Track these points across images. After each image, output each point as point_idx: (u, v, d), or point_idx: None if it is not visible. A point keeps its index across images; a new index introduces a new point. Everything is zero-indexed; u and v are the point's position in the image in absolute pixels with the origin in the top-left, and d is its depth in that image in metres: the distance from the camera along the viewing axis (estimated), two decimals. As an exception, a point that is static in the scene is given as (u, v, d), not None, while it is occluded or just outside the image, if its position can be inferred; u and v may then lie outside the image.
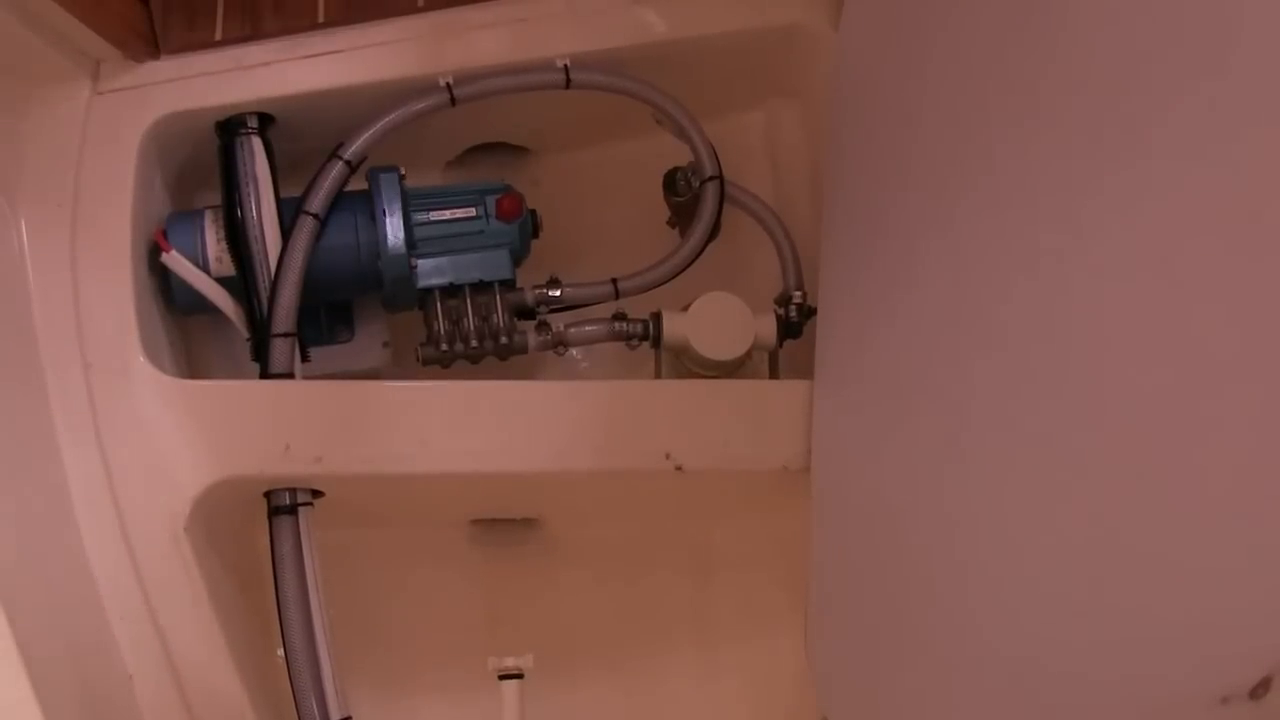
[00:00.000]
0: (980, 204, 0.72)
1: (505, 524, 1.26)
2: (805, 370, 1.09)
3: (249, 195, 1.10)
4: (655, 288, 1.18)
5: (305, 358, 1.12)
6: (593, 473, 1.07)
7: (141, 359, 1.04)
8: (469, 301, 1.13)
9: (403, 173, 1.14)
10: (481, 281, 1.13)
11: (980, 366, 0.72)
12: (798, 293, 1.18)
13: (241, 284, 1.10)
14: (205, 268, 1.10)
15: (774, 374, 1.20)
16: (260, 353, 1.08)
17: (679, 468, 1.06)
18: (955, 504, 0.75)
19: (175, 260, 1.09)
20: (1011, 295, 0.68)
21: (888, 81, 0.92)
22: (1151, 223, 0.54)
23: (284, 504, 1.05)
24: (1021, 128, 0.67)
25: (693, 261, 1.18)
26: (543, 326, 1.16)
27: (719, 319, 1.15)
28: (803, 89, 1.25)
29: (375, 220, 1.11)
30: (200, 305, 1.11)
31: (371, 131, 1.11)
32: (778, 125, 1.31)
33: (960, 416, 0.75)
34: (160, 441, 1.02)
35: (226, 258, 1.10)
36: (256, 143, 1.12)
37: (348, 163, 1.10)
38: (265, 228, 1.09)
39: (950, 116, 0.77)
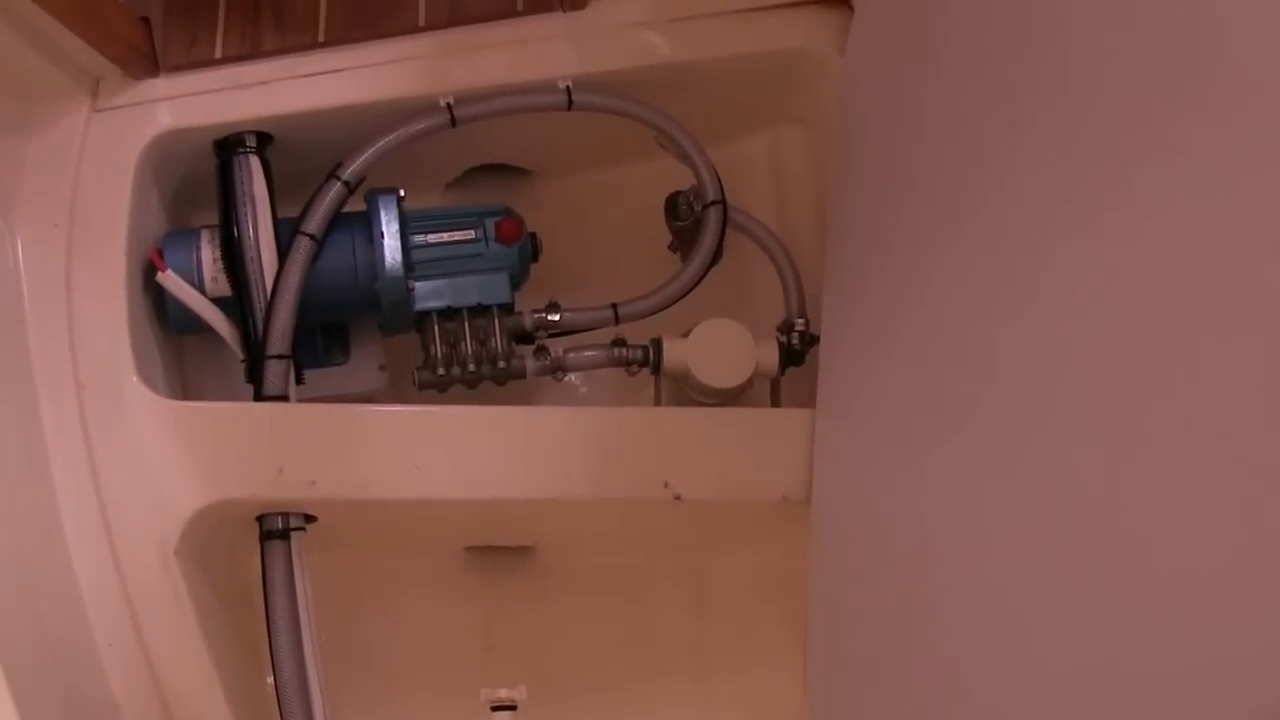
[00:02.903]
0: (986, 229, 0.73)
1: (500, 551, 1.27)
2: (807, 399, 1.09)
3: (246, 215, 1.11)
4: (656, 313, 1.18)
5: (300, 380, 1.12)
6: (590, 501, 1.08)
7: (135, 380, 1.04)
8: (467, 325, 1.14)
9: (402, 194, 1.14)
10: (480, 305, 1.14)
11: (987, 394, 0.72)
12: (801, 320, 1.18)
13: (237, 305, 1.11)
14: (201, 288, 1.11)
15: (776, 402, 1.20)
16: (254, 375, 1.08)
17: (678, 497, 1.07)
18: (962, 537, 0.75)
19: (170, 280, 1.09)
20: (1019, 322, 0.68)
21: (893, 107, 0.93)
22: (1159, 248, 0.54)
23: (276, 529, 1.05)
24: (1029, 153, 0.67)
25: (694, 287, 1.19)
26: (541, 351, 1.16)
27: (720, 346, 1.15)
28: (808, 114, 1.26)
29: (373, 242, 1.12)
30: (195, 326, 1.11)
31: (370, 152, 1.11)
32: (782, 150, 1.32)
33: (967, 446, 0.75)
34: (152, 463, 1.03)
35: (222, 278, 1.11)
36: (254, 162, 1.13)
37: (346, 183, 1.11)
38: (262, 248, 1.10)
39: (956, 143, 0.78)
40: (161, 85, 1.12)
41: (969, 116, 0.76)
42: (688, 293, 1.19)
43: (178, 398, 1.12)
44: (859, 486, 0.97)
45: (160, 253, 1.11)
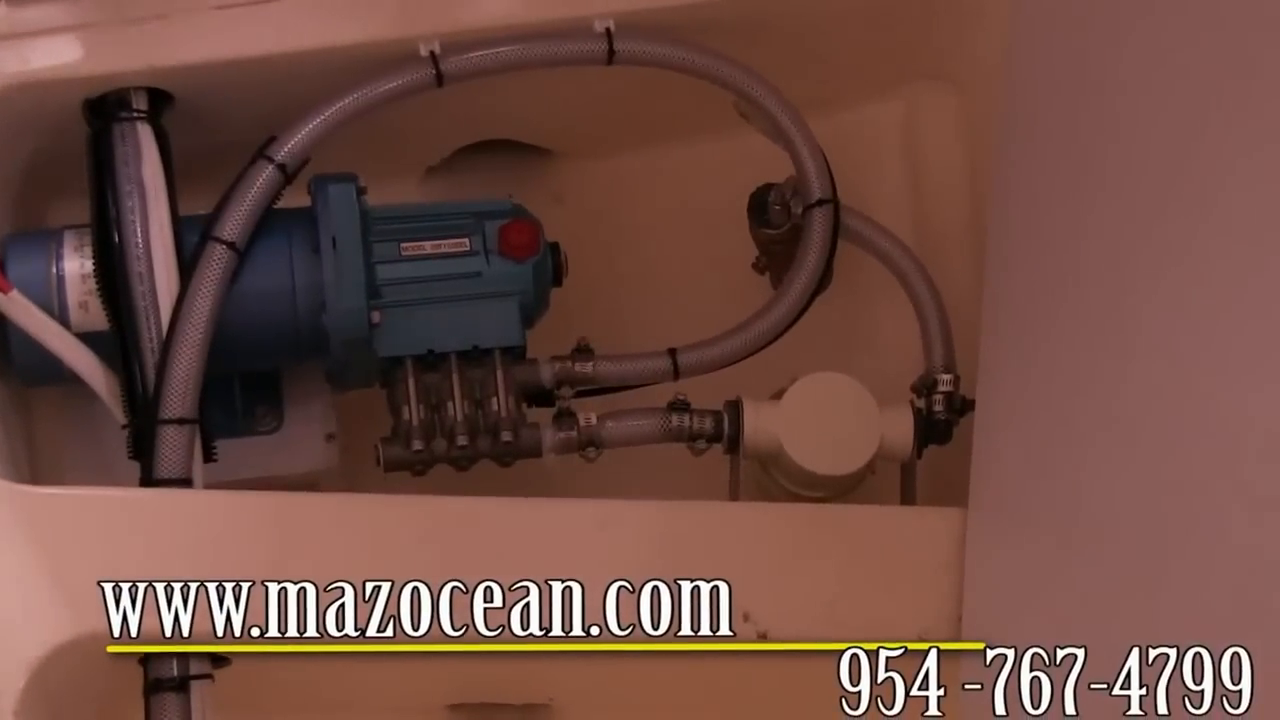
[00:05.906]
0: (1253, 242, 0.69)
1: (501, 711, 1.22)
2: (956, 493, 1.08)
3: (131, 211, 1.08)
4: (733, 364, 1.16)
5: (210, 456, 1.09)
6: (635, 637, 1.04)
7: (-41, 455, 0.99)
8: (456, 378, 1.12)
9: (362, 184, 1.12)
10: (476, 349, 1.12)
11: (1253, 489, 0.68)
12: (947, 375, 1.16)
13: (118, 343, 1.07)
14: (63, 317, 1.08)
15: (909, 498, 1.18)
16: (142, 447, 1.05)
17: (764, 635, 1.04)
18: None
19: (17, 305, 1.06)
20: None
21: (1097, 57, 0.90)
22: None
23: (169, 676, 1.01)
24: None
25: (791, 325, 1.17)
26: (565, 417, 1.14)
27: (827, 413, 1.14)
28: (959, 69, 1.27)
29: (319, 254, 1.10)
30: (53, 374, 1.09)
31: (317, 122, 1.09)
32: (921, 124, 1.33)
33: (1216, 572, 0.71)
34: (-15, 579, 0.96)
35: (95, 303, 1.08)
36: (145, 132, 1.10)
37: (281, 167, 1.08)
38: (155, 260, 1.07)
39: (1203, 112, 0.74)
40: (3, 16, 1.10)
41: (1230, 65, 0.71)
42: (781, 334, 1.17)
43: (25, 481, 1.10)
44: (1040, 623, 0.93)
45: (1, 265, 1.08)
